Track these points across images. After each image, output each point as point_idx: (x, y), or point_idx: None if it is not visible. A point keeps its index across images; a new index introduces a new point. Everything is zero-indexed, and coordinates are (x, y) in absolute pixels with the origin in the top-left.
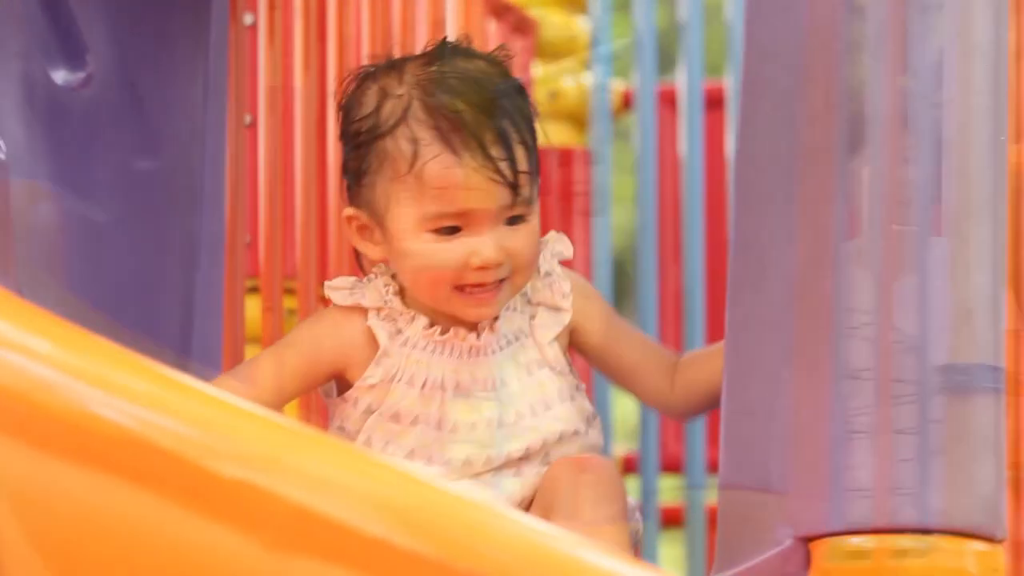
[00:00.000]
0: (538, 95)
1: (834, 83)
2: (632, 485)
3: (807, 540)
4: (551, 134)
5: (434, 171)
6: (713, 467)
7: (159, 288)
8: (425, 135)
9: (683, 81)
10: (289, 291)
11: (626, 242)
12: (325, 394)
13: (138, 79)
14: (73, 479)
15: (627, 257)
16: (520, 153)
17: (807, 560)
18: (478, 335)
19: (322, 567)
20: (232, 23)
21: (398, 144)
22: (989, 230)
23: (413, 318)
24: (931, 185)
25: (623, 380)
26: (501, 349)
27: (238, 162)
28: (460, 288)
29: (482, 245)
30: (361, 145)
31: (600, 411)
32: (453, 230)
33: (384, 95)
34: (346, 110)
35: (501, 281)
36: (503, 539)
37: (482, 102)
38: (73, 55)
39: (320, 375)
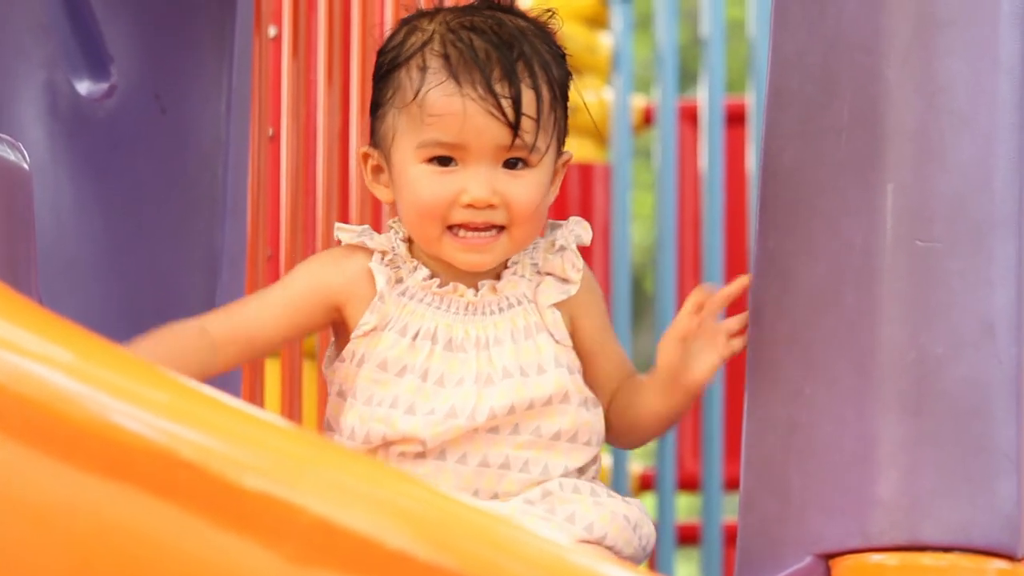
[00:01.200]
0: None
1: (859, 97)
2: (649, 502)
3: (827, 557)
4: (570, 150)
5: (434, 98)
6: (730, 485)
7: (180, 300)
8: (434, 63)
9: (704, 97)
10: None
11: (644, 259)
12: (326, 364)
13: (162, 91)
14: (94, 490)
15: (646, 274)
16: (528, 97)
17: None
18: (477, 292)
19: None
20: (256, 36)
21: (410, 73)
22: (1013, 246)
23: (415, 268)
24: (955, 201)
25: (592, 388)
26: (501, 311)
27: (260, 175)
28: (452, 229)
29: (472, 181)
30: (382, 78)
31: None
32: (448, 162)
33: (412, 30)
34: (380, 49)
35: (499, 231)
36: (524, 553)
37: (499, 41)
38: (97, 66)
39: (322, 306)
